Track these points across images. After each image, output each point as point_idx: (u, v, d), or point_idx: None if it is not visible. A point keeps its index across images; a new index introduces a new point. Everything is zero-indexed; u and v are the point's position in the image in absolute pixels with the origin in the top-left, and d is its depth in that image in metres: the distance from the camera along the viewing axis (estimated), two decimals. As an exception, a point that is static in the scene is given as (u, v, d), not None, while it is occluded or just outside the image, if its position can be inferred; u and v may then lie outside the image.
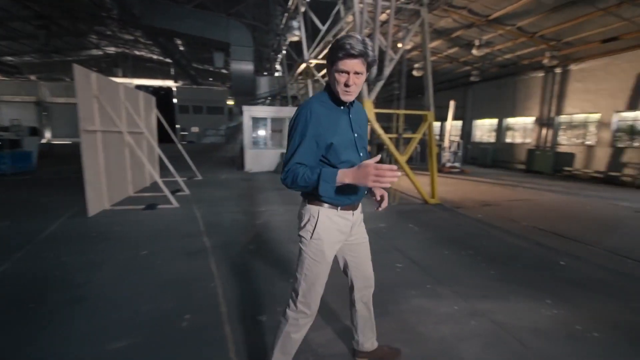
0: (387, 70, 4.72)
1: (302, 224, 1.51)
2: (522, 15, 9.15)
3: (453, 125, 15.90)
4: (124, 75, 31.78)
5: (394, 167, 1.18)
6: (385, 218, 5.20)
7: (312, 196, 1.44)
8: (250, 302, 2.51)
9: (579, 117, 12.32)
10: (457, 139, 14.77)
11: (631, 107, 10.32)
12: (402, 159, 6.12)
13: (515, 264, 3.44)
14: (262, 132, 11.31)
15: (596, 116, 11.58)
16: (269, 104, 15.30)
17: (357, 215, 1.57)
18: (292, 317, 1.52)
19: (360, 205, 1.59)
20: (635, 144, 10.47)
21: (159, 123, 8.21)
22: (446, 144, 13.17)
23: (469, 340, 2.07)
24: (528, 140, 14.42)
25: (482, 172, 13.09)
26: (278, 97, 15.21)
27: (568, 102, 12.45)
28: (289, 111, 11.40)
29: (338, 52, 1.28)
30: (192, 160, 9.26)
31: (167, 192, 5.70)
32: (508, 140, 15.72)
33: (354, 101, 1.47)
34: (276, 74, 17.56)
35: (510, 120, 15.59)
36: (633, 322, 2.37)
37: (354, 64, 1.29)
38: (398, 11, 6.03)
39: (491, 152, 15.75)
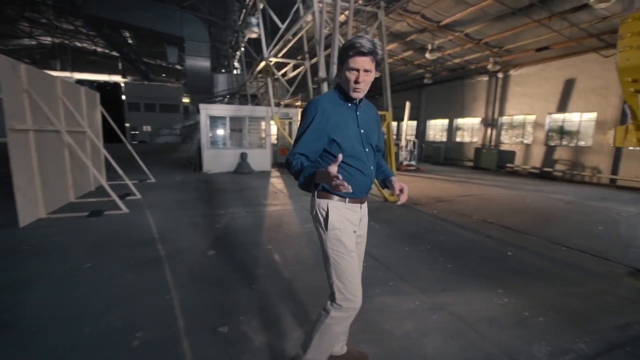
0: None
1: (314, 217, 1.58)
2: (469, 22, 9.81)
3: (409, 125, 16.62)
4: (63, 69, 28.81)
5: (344, 183, 1.22)
6: (347, 217, 5.26)
7: (321, 188, 1.51)
8: (211, 312, 2.37)
9: (518, 118, 13.53)
10: (413, 138, 15.46)
11: (560, 109, 11.56)
12: (363, 158, 6.23)
13: (469, 257, 3.66)
14: (220, 132, 10.89)
15: (532, 117, 12.81)
16: (228, 102, 14.79)
17: (364, 208, 1.63)
18: (333, 311, 1.50)
19: (365, 200, 1.63)
20: (564, 143, 11.75)
21: (106, 121, 7.52)
22: (403, 143, 13.73)
23: (431, 335, 2.14)
24: (475, 140, 15.54)
25: (436, 169, 13.86)
26: (237, 96, 14.75)
27: (509, 104, 13.62)
28: (249, 110, 11.10)
29: (349, 50, 1.37)
30: (144, 162, 8.63)
31: (114, 196, 5.24)
32: (458, 139, 16.81)
33: (362, 99, 1.53)
34: (235, 72, 17.01)
35: (459, 121, 16.69)
36: (571, 304, 2.62)
37: (364, 62, 1.37)
38: (356, 13, 6.13)
39: (443, 151, 16.74)
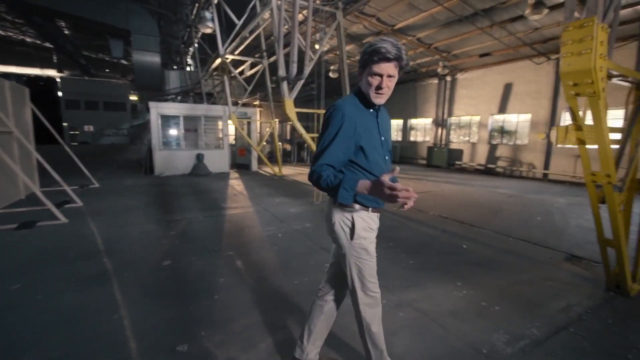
0: (307, 70, 4.73)
1: (334, 227, 1.52)
2: (420, 27, 10.31)
3: (367, 125, 17.00)
4: (-20, 60, 25.19)
5: (409, 188, 1.15)
6: (310, 217, 5.22)
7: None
8: (168, 330, 2.17)
9: (465, 118, 14.54)
10: (371, 138, 15.91)
11: (501, 111, 12.63)
12: (325, 158, 6.24)
13: (429, 252, 3.81)
14: (174, 132, 10.24)
15: (477, 118, 13.84)
16: (181, 101, 13.98)
17: (379, 218, 1.62)
18: (363, 315, 1.57)
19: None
20: (505, 141, 12.86)
21: (39, 121, 6.66)
22: (362, 142, 14.08)
23: (400, 333, 2.17)
24: (428, 139, 16.43)
25: (394, 168, 14.38)
26: (191, 94, 13.99)
27: (456, 106, 14.58)
28: (205, 109, 10.58)
29: (373, 55, 1.32)
30: (86, 165, 7.80)
31: (49, 204, 4.65)
32: (412, 138, 17.65)
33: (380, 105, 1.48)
34: (188, 69, 16.13)
35: (413, 121, 17.53)
36: (521, 292, 2.83)
37: (388, 67, 1.33)
38: (315, 12, 6.10)
39: (398, 150, 17.48)
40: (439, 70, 12.98)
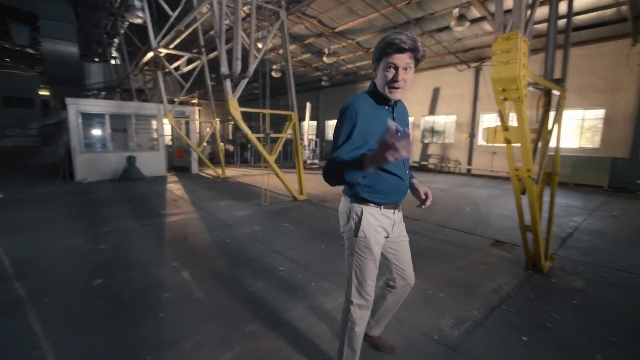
0: (252, 68, 4.57)
1: (346, 222, 1.55)
2: (359, 32, 10.74)
3: (310, 125, 17.21)
4: None
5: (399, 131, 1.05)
6: (259, 220, 5.08)
7: (356, 194, 1.49)
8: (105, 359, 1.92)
9: (402, 119, 15.59)
10: (314, 137, 16.13)
11: (431, 112, 13.83)
12: (271, 158, 6.14)
13: (377, 247, 3.98)
14: (98, 132, 9.09)
15: (411, 119, 14.93)
16: (106, 97, 12.49)
17: (398, 214, 1.62)
18: (352, 313, 1.58)
19: (400, 205, 1.62)
20: (435, 140, 14.11)
21: None
22: (306, 142, 14.18)
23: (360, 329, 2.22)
24: (369, 138, 17.23)
25: (338, 167, 14.78)
26: (118, 90, 12.57)
27: (394, 107, 15.55)
28: (135, 107, 9.59)
29: (387, 47, 1.30)
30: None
31: None
32: (355, 138, 18.33)
33: (397, 100, 1.46)
34: (113, 62, 14.46)
35: (355, 121, 18.21)
36: (459, 277, 3.12)
37: (404, 58, 1.31)
38: (258, 9, 5.95)
39: (343, 149, 18.00)
40: (377, 73, 13.68)
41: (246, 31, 4.95)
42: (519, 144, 2.44)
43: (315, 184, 9.16)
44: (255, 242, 4.07)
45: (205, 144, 11.07)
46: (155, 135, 10.12)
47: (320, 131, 19.95)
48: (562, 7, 3.87)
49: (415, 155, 14.57)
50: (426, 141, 14.29)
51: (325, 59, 11.92)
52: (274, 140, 6.51)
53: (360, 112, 1.38)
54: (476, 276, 3.16)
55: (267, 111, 5.79)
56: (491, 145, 12.29)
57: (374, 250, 1.53)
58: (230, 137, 17.84)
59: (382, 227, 1.54)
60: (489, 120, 12.11)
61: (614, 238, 4.54)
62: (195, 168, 11.22)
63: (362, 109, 1.39)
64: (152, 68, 7.24)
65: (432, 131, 14.15)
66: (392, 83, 1.37)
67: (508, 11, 2.22)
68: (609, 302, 2.69)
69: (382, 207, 1.51)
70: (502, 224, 5.11)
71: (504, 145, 2.65)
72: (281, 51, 12.83)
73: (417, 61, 1.38)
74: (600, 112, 9.52)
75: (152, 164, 9.86)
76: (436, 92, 13.55)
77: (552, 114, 3.03)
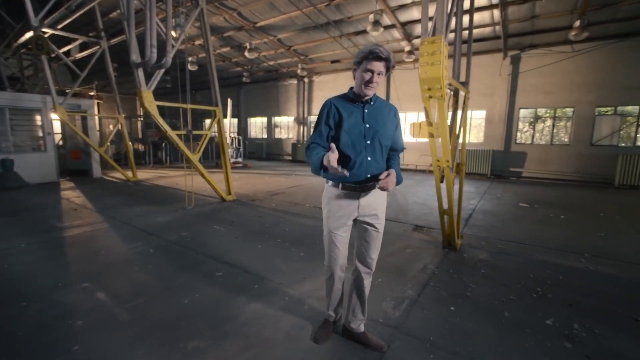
0: (170, 56, 4.10)
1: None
2: (281, 29, 10.68)
3: (231, 123, 16.51)
4: None
5: (338, 169, 1.51)
6: (186, 225, 4.66)
7: (325, 174, 1.77)
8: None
9: (324, 117, 16.11)
10: (236, 135, 15.53)
11: (352, 111, 14.63)
12: (195, 157, 5.67)
13: (313, 241, 4.05)
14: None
15: (333, 117, 15.57)
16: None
17: (367, 198, 1.84)
18: (325, 274, 2.05)
19: (372, 192, 1.85)
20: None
21: None
22: (228, 140, 13.52)
23: (308, 326, 2.23)
24: (291, 136, 17.36)
25: (261, 164, 14.53)
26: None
27: (314, 105, 15.97)
28: (10, 98, 7.67)
29: (369, 54, 1.65)
30: None
31: None
32: (277, 136, 18.25)
33: (375, 100, 1.83)
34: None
35: (277, 119, 18.12)
36: (392, 262, 3.39)
37: (380, 65, 1.67)
38: (172, -6, 5.36)
39: (265, 147, 17.75)
40: (299, 71, 13.84)
41: (160, 17, 4.41)
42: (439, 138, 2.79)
43: (241, 182, 8.83)
44: (184, 250, 3.72)
45: (108, 143, 9.58)
46: (40, 133, 8.33)
47: (242, 129, 19.28)
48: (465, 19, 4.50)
49: (337, 152, 15.23)
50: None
51: (247, 53, 11.52)
52: (197, 138, 6.00)
53: (332, 105, 1.80)
54: (405, 259, 3.49)
55: (189, 106, 5.29)
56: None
57: (330, 223, 1.88)
58: (140, 135, 15.85)
59: (340, 205, 1.84)
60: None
61: (501, 216, 5.53)
62: (97, 171, 9.62)
63: (334, 102, 1.81)
64: (33, 51, 5.86)
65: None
66: (368, 83, 1.71)
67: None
68: (506, 268, 3.28)
69: (340, 187, 1.82)
70: (419, 211, 5.73)
71: (414, 140, 2.98)
72: (198, 42, 11.93)
73: (387, 69, 1.73)
74: (483, 113, 11.46)
75: (37, 168, 8.11)
76: (354, 92, 14.37)
77: (459, 113, 3.52)
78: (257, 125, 19.34)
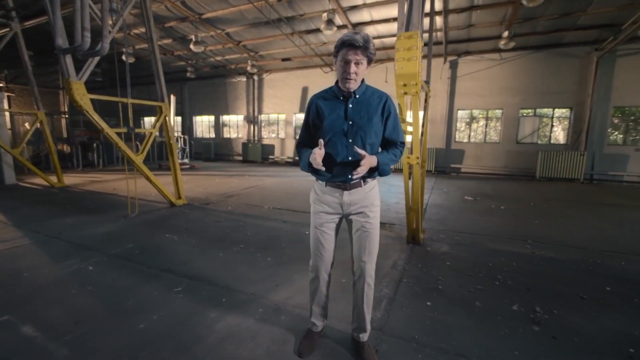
0: (107, 42, 3.51)
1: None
2: (230, 22, 10.13)
3: (175, 121, 15.31)
4: None
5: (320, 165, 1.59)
6: (131, 235, 4.13)
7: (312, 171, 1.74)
8: None
9: (273, 116, 15.80)
10: (181, 134, 14.48)
11: (301, 110, 14.57)
12: (138, 159, 5.06)
13: (279, 245, 3.86)
14: None
15: (283, 116, 15.36)
16: None
17: (350, 197, 1.74)
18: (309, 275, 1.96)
19: (359, 190, 1.74)
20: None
21: None
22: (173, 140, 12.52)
23: (288, 338, 2.07)
24: (241, 135, 16.72)
25: (210, 165, 13.75)
26: None
27: (265, 104, 15.59)
28: None
29: (342, 44, 1.53)
30: None
31: None
32: (226, 135, 17.43)
33: (362, 93, 1.68)
34: None
35: (225, 118, 17.30)
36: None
37: (355, 54, 1.53)
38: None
39: (213, 147, 16.84)
40: (249, 68, 13.34)
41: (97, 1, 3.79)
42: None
43: (191, 185, 8.20)
44: (132, 264, 3.26)
45: (25, 145, 8.16)
46: None
47: (187, 128, 18.03)
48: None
49: (289, 152, 15.06)
50: (298, 137, 14.99)
51: (192, 46, 10.74)
52: (138, 137, 5.37)
53: (314, 103, 1.75)
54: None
55: (131, 100, 4.66)
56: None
57: (314, 219, 1.84)
58: (65, 134, 13.86)
59: (324, 202, 1.79)
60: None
61: (451, 209, 5.90)
62: (10, 177, 8.12)
63: (316, 100, 1.75)
64: None
65: (304, 128, 14.94)
66: (345, 75, 1.58)
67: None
68: (467, 259, 3.46)
69: (325, 184, 1.77)
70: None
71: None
72: (135, 31, 10.79)
73: (369, 59, 1.58)
74: (428, 113, 12.24)
75: None
76: (305, 91, 14.33)
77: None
78: (203, 124, 18.24)
